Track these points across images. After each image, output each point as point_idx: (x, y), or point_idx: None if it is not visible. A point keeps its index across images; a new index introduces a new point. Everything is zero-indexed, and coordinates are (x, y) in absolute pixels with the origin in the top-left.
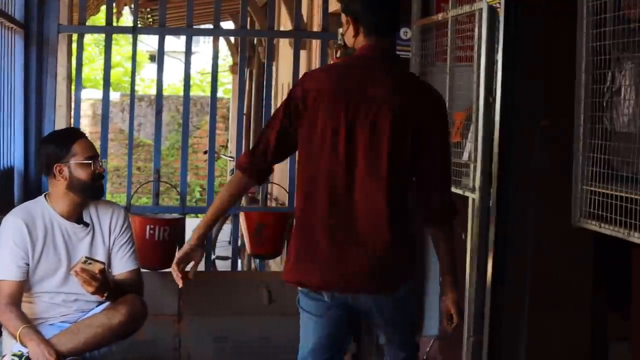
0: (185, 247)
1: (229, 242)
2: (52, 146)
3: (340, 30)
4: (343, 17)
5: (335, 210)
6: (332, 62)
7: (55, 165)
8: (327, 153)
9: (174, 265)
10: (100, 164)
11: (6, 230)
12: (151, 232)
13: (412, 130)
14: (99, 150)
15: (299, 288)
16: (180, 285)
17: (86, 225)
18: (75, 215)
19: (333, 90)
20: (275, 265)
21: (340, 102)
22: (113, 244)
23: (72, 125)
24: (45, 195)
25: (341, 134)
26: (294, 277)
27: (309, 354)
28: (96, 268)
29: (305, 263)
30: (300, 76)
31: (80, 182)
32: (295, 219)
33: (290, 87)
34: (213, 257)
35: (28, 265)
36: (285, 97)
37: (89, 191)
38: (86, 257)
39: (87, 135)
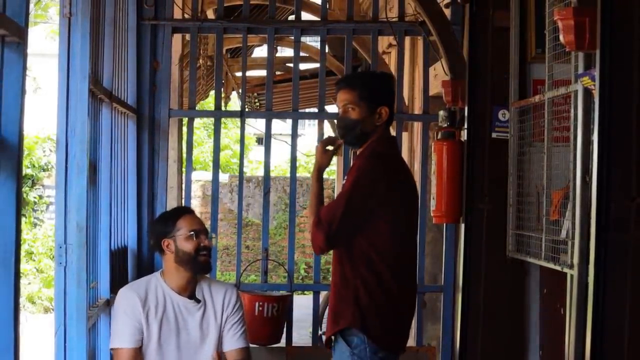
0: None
1: None
2: (160, 223)
3: (355, 115)
4: (365, 105)
5: (412, 279)
6: (380, 148)
7: (163, 240)
8: (408, 231)
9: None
10: (209, 237)
11: (118, 302)
12: (260, 308)
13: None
14: (209, 227)
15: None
16: None
17: (198, 301)
18: (188, 291)
19: (402, 180)
20: None
21: (408, 190)
22: (225, 321)
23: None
24: (160, 272)
25: (409, 214)
26: (394, 345)
27: None
28: None
29: (402, 328)
30: (376, 167)
31: (186, 255)
32: (385, 286)
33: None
34: (320, 332)
35: (142, 333)
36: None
37: (196, 264)
38: None
39: (197, 212)
